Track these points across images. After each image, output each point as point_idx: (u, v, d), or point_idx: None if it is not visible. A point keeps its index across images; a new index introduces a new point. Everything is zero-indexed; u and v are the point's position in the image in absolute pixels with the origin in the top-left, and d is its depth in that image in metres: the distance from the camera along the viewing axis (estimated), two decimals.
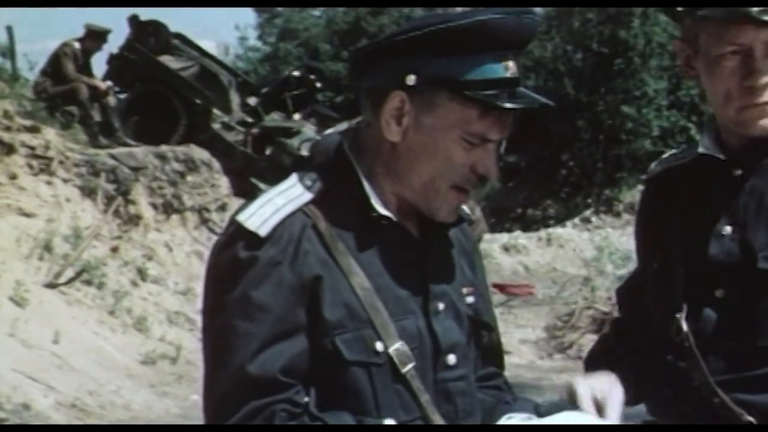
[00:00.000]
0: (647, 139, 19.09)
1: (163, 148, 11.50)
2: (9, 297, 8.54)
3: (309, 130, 12.44)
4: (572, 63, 20.25)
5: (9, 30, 13.48)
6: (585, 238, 15.61)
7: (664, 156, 2.14)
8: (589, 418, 1.77)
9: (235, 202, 10.80)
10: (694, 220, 1.97)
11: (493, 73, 1.70)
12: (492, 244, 14.31)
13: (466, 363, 1.80)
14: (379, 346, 1.70)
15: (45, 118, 11.30)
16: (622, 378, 1.92)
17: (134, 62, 12.54)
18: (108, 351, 8.76)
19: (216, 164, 11.63)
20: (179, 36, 13.14)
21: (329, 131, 1.94)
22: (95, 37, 12.44)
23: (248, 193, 10.56)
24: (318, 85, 13.50)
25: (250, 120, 12.81)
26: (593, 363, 2.10)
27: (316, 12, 25.52)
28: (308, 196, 1.74)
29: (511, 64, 1.72)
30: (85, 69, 12.39)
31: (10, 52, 13.42)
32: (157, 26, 12.87)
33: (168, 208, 11.06)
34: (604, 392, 1.84)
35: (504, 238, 15.47)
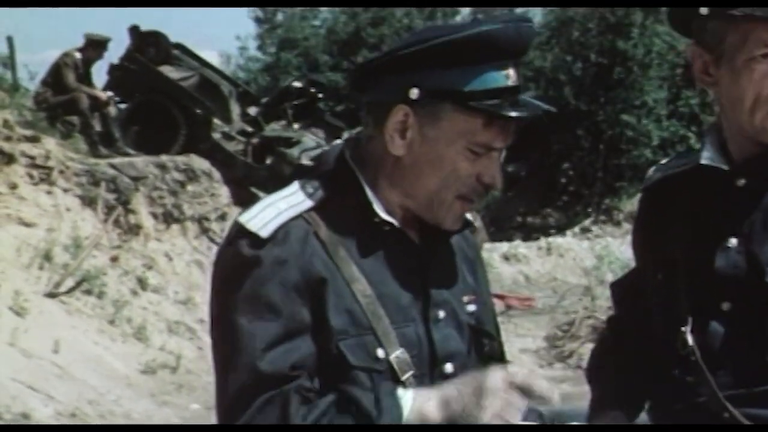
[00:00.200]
0: (647, 148, 19.12)
1: (164, 157, 11.51)
2: (9, 306, 8.54)
3: (309, 139, 12.46)
4: (572, 73, 20.30)
5: (9, 40, 13.52)
6: (585, 247, 15.61)
7: (662, 162, 2.10)
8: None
9: (235, 212, 10.79)
10: (696, 231, 1.93)
11: (495, 83, 1.72)
12: (492, 253, 14.31)
13: (465, 372, 1.79)
14: (380, 352, 1.71)
15: (45, 127, 11.32)
16: (625, 385, 1.91)
17: (135, 72, 12.56)
18: (108, 360, 8.75)
19: (216, 174, 11.64)
20: (179, 46, 13.17)
21: (337, 141, 1.94)
22: (96, 46, 12.47)
23: (248, 203, 10.55)
24: (319, 95, 13.54)
25: (250, 130, 12.83)
26: (596, 371, 2.09)
27: (316, 22, 25.56)
28: (309, 203, 1.75)
29: (511, 72, 1.74)
30: (86, 79, 12.42)
31: (10, 63, 13.44)
32: (157, 37, 12.89)
33: (168, 218, 11.07)
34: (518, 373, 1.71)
35: (504, 247, 15.47)
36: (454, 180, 1.74)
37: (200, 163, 11.56)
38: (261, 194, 11.61)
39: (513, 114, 1.72)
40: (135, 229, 10.68)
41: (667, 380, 1.93)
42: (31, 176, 10.28)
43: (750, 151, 1.89)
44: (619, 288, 2.17)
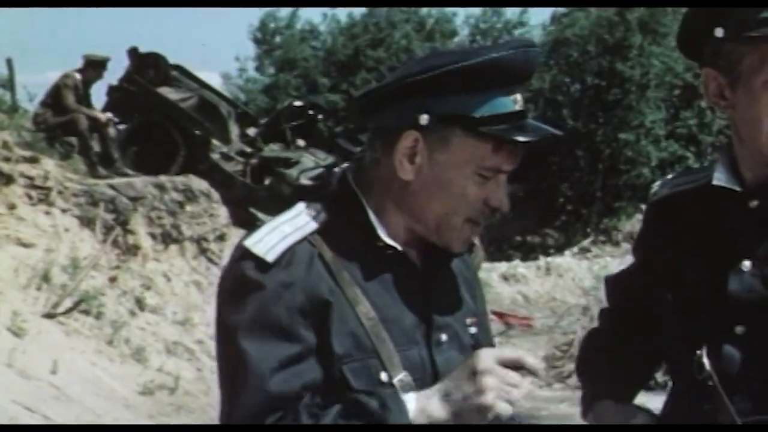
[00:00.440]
0: (646, 167, 19.17)
1: (162, 178, 11.51)
2: (6, 327, 8.52)
3: (308, 160, 12.48)
4: (571, 94, 20.37)
5: (9, 62, 13.56)
6: (584, 267, 15.61)
7: (669, 178, 2.09)
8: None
9: (234, 232, 10.80)
10: (707, 252, 1.91)
11: (504, 108, 1.74)
12: (491, 273, 14.31)
13: None
14: (384, 376, 1.72)
15: (44, 148, 11.33)
16: (618, 378, 1.90)
17: (133, 93, 12.59)
18: (106, 381, 8.73)
19: (215, 194, 11.64)
20: (178, 67, 13.21)
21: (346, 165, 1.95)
22: (95, 66, 12.50)
23: (247, 223, 10.56)
24: (318, 116, 13.60)
25: (249, 150, 12.85)
26: (588, 363, 2.09)
27: (315, 43, 25.66)
28: (314, 225, 1.76)
29: (518, 97, 1.76)
30: (85, 100, 12.45)
31: (9, 84, 13.48)
32: (156, 58, 12.94)
33: (167, 238, 11.06)
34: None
35: (503, 267, 15.48)
36: (463, 204, 1.75)
37: (199, 184, 11.57)
38: (260, 215, 11.64)
39: (523, 138, 1.73)
40: (133, 250, 10.67)
41: (686, 405, 1.91)
42: (29, 197, 10.28)
43: (764, 173, 1.87)
44: (613, 283, 2.18)
